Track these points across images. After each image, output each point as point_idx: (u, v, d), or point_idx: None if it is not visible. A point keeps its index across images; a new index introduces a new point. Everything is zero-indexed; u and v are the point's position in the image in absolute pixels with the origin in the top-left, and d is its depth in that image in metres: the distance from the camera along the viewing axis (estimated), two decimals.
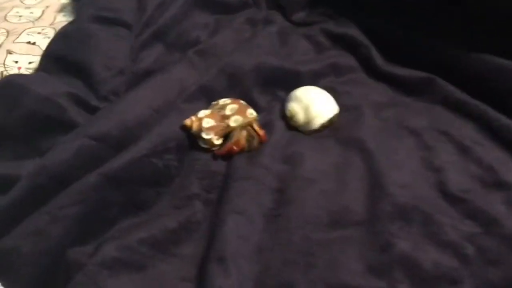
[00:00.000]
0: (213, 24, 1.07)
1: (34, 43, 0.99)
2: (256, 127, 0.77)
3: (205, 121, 0.76)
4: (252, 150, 0.76)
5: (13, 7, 1.15)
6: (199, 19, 1.06)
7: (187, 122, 0.75)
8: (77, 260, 0.60)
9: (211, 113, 0.78)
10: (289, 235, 0.64)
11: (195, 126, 0.75)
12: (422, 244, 0.62)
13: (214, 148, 0.77)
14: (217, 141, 0.77)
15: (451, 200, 0.68)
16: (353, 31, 1.01)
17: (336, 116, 0.83)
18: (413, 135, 0.80)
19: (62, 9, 1.12)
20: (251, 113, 0.79)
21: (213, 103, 0.81)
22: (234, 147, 0.75)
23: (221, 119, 0.77)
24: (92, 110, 0.80)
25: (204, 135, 0.75)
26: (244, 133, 0.76)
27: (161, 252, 0.63)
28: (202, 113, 0.77)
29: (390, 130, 0.82)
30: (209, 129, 0.76)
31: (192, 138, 0.77)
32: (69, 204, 0.63)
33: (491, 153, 0.75)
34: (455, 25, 0.91)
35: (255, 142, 0.76)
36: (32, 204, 0.65)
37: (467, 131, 0.80)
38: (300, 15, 1.11)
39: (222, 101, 0.80)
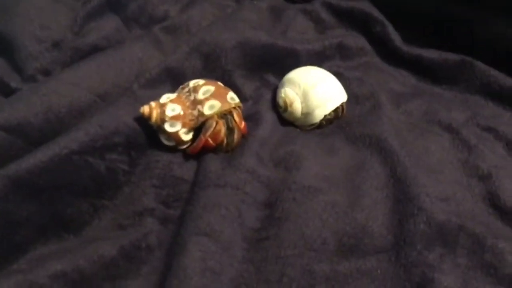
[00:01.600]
0: None
1: None
2: (236, 116, 0.63)
3: (169, 107, 0.62)
4: (228, 149, 0.63)
5: None
6: None
7: (145, 109, 0.61)
8: None
9: (178, 97, 0.64)
10: (281, 267, 0.53)
11: (155, 115, 0.61)
12: (474, 280, 0.52)
13: (181, 146, 0.64)
14: (186, 136, 0.63)
15: (507, 218, 0.60)
16: (364, 5, 0.90)
17: (344, 107, 0.71)
18: (448, 132, 0.71)
19: None
20: (232, 97, 0.65)
21: (181, 86, 0.68)
22: (210, 141, 0.61)
23: (192, 105, 0.63)
24: (11, 94, 0.67)
25: (168, 127, 0.62)
26: (222, 121, 0.62)
27: None
28: (165, 97, 0.63)
29: (417, 126, 0.73)
30: (175, 118, 0.62)
31: (151, 132, 0.64)
32: None
33: None
34: None
35: (234, 138, 0.63)
36: None
37: None
38: None
39: (193, 83, 0.66)
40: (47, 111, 0.61)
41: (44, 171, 0.54)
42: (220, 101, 0.63)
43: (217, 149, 0.63)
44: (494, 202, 0.61)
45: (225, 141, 0.63)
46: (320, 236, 0.56)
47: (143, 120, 0.63)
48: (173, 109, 0.62)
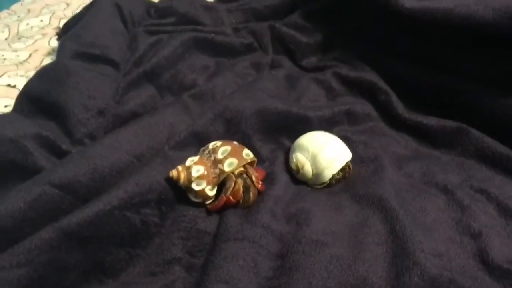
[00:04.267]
0: (213, 68, 1.02)
1: (14, 86, 0.94)
2: (251, 173, 0.68)
3: (194, 169, 0.67)
4: (245, 205, 0.67)
5: None
6: (198, 61, 1.02)
7: (173, 173, 0.67)
8: None
9: (200, 159, 0.69)
10: None
11: (183, 177, 0.67)
12: None
13: (207, 201, 0.68)
14: (211, 192, 0.68)
15: (496, 274, 0.60)
16: (371, 75, 0.95)
17: (350, 166, 0.75)
18: (444, 193, 0.73)
19: (51, 52, 1.08)
20: (247, 154, 0.71)
21: (202, 148, 0.73)
22: (231, 198, 0.66)
23: (213, 165, 0.69)
24: (63, 155, 0.73)
25: (195, 186, 0.67)
26: (240, 180, 0.67)
27: None
28: (189, 160, 0.69)
29: (415, 187, 0.74)
30: (200, 177, 0.67)
31: (179, 190, 0.68)
32: (12, 265, 0.54)
33: None
34: (491, 65, 0.83)
35: (251, 195, 0.67)
36: None
37: (509, 190, 0.72)
38: (311, 60, 1.07)
39: (212, 145, 0.71)
40: (93, 171, 0.66)
41: (90, 224, 0.59)
42: (237, 158, 0.68)
43: (236, 205, 0.67)
44: (483, 258, 0.62)
45: (242, 197, 0.67)
46: (325, 286, 0.57)
47: (173, 182, 0.68)
48: (197, 170, 0.67)
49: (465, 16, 0.79)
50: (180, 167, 0.67)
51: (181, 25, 1.11)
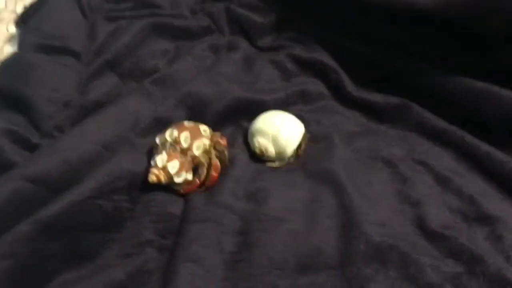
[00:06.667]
0: (172, 52, 1.04)
1: None
2: (219, 140, 0.75)
3: (170, 166, 0.70)
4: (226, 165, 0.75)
5: None
6: (157, 46, 1.03)
7: (152, 178, 0.70)
8: None
9: (169, 155, 0.72)
10: (253, 283, 0.60)
11: (163, 178, 0.70)
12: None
13: (191, 185, 0.73)
14: (190, 176, 0.73)
15: (431, 238, 0.66)
16: (322, 56, 0.99)
17: (305, 136, 0.81)
18: (388, 166, 0.79)
19: (10, 39, 1.07)
20: (204, 130, 0.76)
21: (158, 140, 0.75)
22: (214, 173, 0.72)
23: (182, 154, 0.72)
24: (33, 148, 0.76)
25: (177, 179, 0.71)
26: (213, 153, 0.73)
27: None
28: (160, 161, 0.71)
29: (363, 162, 0.80)
30: (178, 171, 0.71)
31: (147, 175, 0.71)
32: None
33: (472, 184, 0.74)
34: (431, 47, 0.89)
35: (226, 155, 0.75)
36: None
37: (446, 161, 0.79)
38: (266, 40, 1.09)
39: (168, 137, 0.73)
40: (63, 163, 0.68)
41: (65, 215, 0.62)
42: (199, 139, 0.73)
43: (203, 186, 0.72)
44: (421, 225, 0.67)
45: (224, 164, 0.74)
46: (283, 258, 0.62)
47: (140, 165, 0.72)
48: (173, 166, 0.70)
49: (408, 1, 0.84)
50: (155, 170, 0.70)
51: (139, 9, 1.12)
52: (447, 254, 0.63)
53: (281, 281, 0.60)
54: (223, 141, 0.75)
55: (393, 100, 0.90)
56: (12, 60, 0.89)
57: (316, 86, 0.96)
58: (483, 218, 0.68)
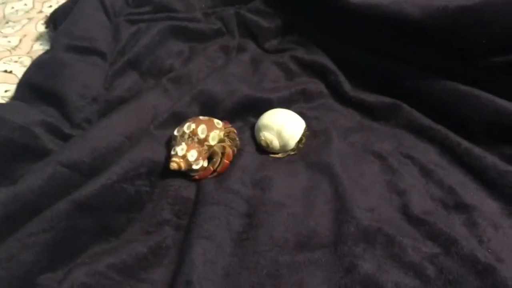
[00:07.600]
0: (187, 52, 1.10)
1: (10, 72, 1.01)
2: (231, 131, 0.81)
3: (189, 155, 0.77)
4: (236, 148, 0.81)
5: None
6: (173, 47, 1.09)
7: (174, 165, 0.75)
8: (47, 286, 0.61)
9: (188, 145, 0.78)
10: (257, 258, 0.65)
11: (183, 165, 0.76)
12: (385, 265, 0.64)
13: (203, 172, 0.78)
14: (206, 163, 0.79)
15: (413, 222, 0.70)
16: (322, 58, 1.04)
17: (306, 131, 0.86)
18: (378, 159, 0.83)
19: (39, 38, 1.14)
20: (218, 122, 0.82)
21: (176, 133, 0.81)
22: (226, 161, 0.78)
23: (199, 144, 0.78)
24: (66, 138, 0.82)
25: (195, 166, 0.77)
26: (226, 143, 0.79)
27: (131, 277, 0.64)
28: (180, 150, 0.77)
29: (357, 154, 0.84)
30: (197, 159, 0.77)
31: (165, 163, 0.77)
32: (38, 231, 0.64)
33: (452, 176, 0.78)
34: (419, 54, 0.94)
35: (238, 143, 0.81)
36: (4, 232, 0.65)
37: (430, 155, 0.83)
38: (272, 43, 1.14)
39: (186, 129, 0.79)
40: (92, 151, 0.74)
41: (96, 196, 0.68)
42: (215, 130, 0.79)
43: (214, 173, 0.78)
44: (405, 211, 0.72)
45: (235, 152, 0.80)
46: (283, 237, 0.67)
47: (159, 154, 0.78)
48: (192, 155, 0.77)
49: (397, 12, 0.89)
50: (176, 159, 0.76)
51: (156, 13, 1.18)
52: (427, 236, 0.67)
53: (281, 257, 0.65)
54: (232, 132, 0.81)
55: (385, 100, 0.94)
56: (46, 59, 0.95)
57: (316, 85, 1.00)
58: (460, 207, 0.72)
